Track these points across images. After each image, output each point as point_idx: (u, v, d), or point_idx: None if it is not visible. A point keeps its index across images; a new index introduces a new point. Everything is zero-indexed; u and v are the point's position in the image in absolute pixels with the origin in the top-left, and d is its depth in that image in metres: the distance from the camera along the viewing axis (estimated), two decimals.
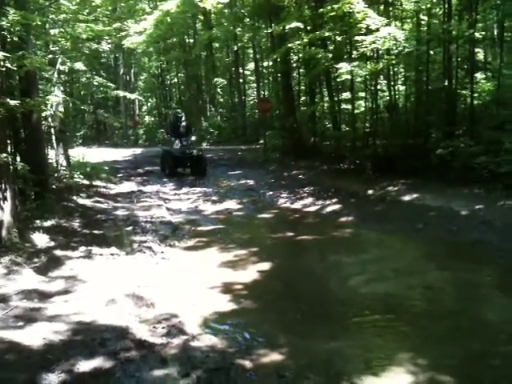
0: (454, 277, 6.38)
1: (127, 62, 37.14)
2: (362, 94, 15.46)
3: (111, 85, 28.85)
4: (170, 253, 7.21)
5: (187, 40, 33.82)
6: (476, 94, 12.51)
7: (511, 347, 4.27)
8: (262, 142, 20.76)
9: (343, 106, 16.41)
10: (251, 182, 14.38)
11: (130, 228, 8.64)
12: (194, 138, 16.39)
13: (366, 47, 11.59)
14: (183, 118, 16.23)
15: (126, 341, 4.12)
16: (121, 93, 23.79)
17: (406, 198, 10.44)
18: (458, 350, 4.24)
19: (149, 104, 40.56)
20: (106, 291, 5.27)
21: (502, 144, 9.57)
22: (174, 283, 5.86)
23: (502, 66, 12.64)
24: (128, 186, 14.13)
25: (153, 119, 39.07)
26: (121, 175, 16.31)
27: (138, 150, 25.92)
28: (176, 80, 37.79)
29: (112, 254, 6.78)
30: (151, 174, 16.81)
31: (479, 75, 13.37)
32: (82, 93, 32.82)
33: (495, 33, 16.44)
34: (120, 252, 6.93)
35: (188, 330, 4.45)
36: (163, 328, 4.44)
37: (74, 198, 10.60)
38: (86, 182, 12.72)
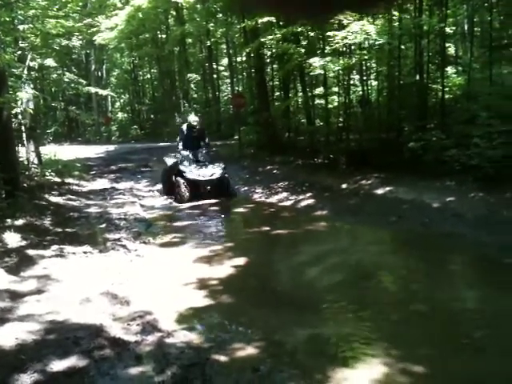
0: (425, 267, 6.51)
1: (99, 58, 36.67)
2: (335, 89, 15.56)
3: (83, 81, 28.54)
4: (144, 250, 7.16)
5: (160, 35, 33.58)
6: (447, 89, 12.70)
7: (481, 336, 4.35)
8: (236, 137, 20.73)
9: (317, 100, 16.51)
10: None
11: (103, 225, 8.55)
12: (208, 144, 12.06)
13: (338, 42, 11.67)
14: (196, 125, 11.81)
15: (100, 339, 4.08)
16: (92, 89, 23.55)
17: (380, 191, 10.57)
18: (426, 338, 4.31)
19: (121, 100, 40.18)
20: (79, 290, 5.21)
21: (472, 137, 9.74)
22: (148, 280, 5.82)
23: (472, 60, 12.88)
24: (101, 183, 13.98)
25: (126, 116, 38.71)
26: (93, 172, 16.13)
27: (111, 147, 25.65)
28: (149, 76, 37.50)
29: (85, 252, 6.70)
30: (124, 170, 16.65)
31: (450, 70, 13.59)
32: (53, 89, 32.36)
33: (465, 28, 16.73)
34: (93, 250, 6.85)
35: (163, 326, 4.43)
36: (138, 325, 4.41)
37: (46, 196, 10.44)
38: (57, 179, 12.54)
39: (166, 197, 11.81)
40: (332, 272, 6.31)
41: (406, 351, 4.01)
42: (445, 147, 10.31)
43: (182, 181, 10.81)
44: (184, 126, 11.83)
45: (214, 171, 11.02)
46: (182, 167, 10.98)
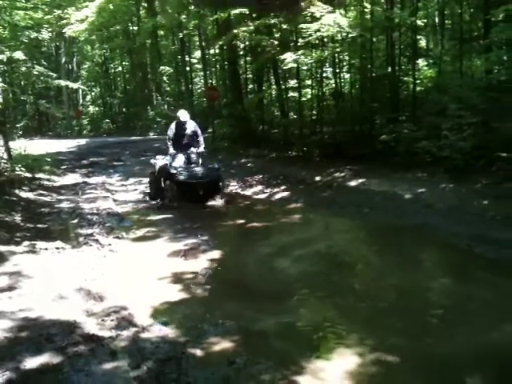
0: (396, 257, 6.63)
1: (69, 51, 36.09)
2: (309, 82, 15.63)
3: (53, 74, 28.05)
4: (117, 245, 7.08)
5: (131, 28, 33.17)
6: (418, 81, 12.87)
7: (451, 322, 4.44)
8: (210, 130, 20.65)
9: (290, 93, 16.55)
10: None
11: (75, 221, 8.44)
12: (203, 147, 10.50)
13: (311, 35, 11.69)
14: (189, 123, 10.38)
15: (74, 335, 4.03)
16: (63, 82, 23.18)
17: (353, 183, 10.68)
18: (398, 326, 4.39)
19: (93, 93, 39.64)
20: (52, 286, 5.13)
21: (442, 129, 9.89)
22: (122, 275, 5.77)
23: (442, 52, 13.06)
24: (72, 178, 13.79)
25: (97, 109, 38.16)
26: (65, 167, 15.90)
27: (83, 141, 25.31)
28: (120, 68, 37.00)
29: (57, 248, 6.60)
30: (96, 165, 16.45)
31: (421, 62, 13.75)
32: (22, 83, 31.68)
33: (436, 20, 16.93)
34: (66, 246, 6.75)
35: (138, 321, 4.40)
36: (112, 321, 4.37)
37: (16, 191, 10.26)
38: (28, 174, 12.31)
39: (135, 188, 11.74)
40: (306, 263, 6.36)
41: (378, 340, 4.06)
42: (416, 139, 10.45)
43: (172, 185, 9.68)
44: (173, 124, 10.46)
45: (207, 173, 9.91)
46: (171, 170, 9.80)
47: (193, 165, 10.15)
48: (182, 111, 10.51)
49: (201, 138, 10.47)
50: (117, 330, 4.20)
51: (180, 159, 10.12)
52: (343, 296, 5.25)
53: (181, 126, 10.25)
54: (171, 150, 10.17)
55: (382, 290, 5.38)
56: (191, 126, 10.31)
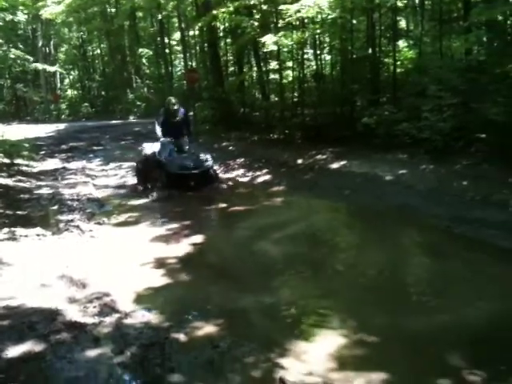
0: (377, 237, 6.72)
1: (46, 34, 35.39)
2: (290, 64, 15.55)
3: (29, 57, 27.56)
4: (99, 230, 7.03)
5: (109, 9, 32.58)
6: (399, 62, 12.87)
7: (431, 301, 4.52)
8: (191, 113, 20.47)
9: (271, 75, 16.46)
10: None
11: (55, 207, 8.35)
12: (189, 137, 10.08)
13: (291, 16, 11.62)
14: (180, 110, 9.90)
15: (56, 322, 4.01)
16: (40, 66, 22.78)
17: (334, 165, 10.72)
18: (379, 306, 4.45)
19: (71, 77, 39.00)
20: (33, 274, 5.08)
21: (422, 111, 9.94)
22: (104, 261, 5.73)
23: (422, 33, 13.06)
24: (52, 163, 13.62)
25: (76, 93, 37.62)
26: (43, 152, 15.68)
27: (62, 126, 24.95)
28: (99, 51, 36.47)
29: (38, 235, 6.52)
30: (76, 150, 16.25)
31: (401, 43, 13.74)
32: None
33: (416, 1, 16.88)
34: (46, 232, 6.68)
35: (121, 307, 4.39)
36: (95, 307, 4.35)
37: None
38: (6, 160, 12.12)
39: (116, 173, 11.64)
40: (288, 245, 6.39)
41: (360, 320, 4.12)
42: (396, 121, 10.50)
43: (162, 174, 9.28)
44: (162, 111, 9.95)
45: (198, 163, 9.40)
46: (161, 159, 9.34)
47: (184, 154, 9.61)
48: (171, 98, 10.12)
49: (190, 126, 10.22)
50: (100, 316, 4.18)
51: (170, 147, 9.56)
52: (325, 276, 5.33)
53: (170, 113, 9.76)
54: (161, 137, 9.62)
55: (363, 271, 5.44)
56: (181, 114, 9.88)
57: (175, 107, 9.75)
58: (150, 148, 10.06)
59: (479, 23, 10.11)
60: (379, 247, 6.37)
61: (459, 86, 9.77)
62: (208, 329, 4.05)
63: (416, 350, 3.68)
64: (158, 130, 9.71)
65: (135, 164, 10.76)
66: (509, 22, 9.88)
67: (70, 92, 38.21)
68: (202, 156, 9.64)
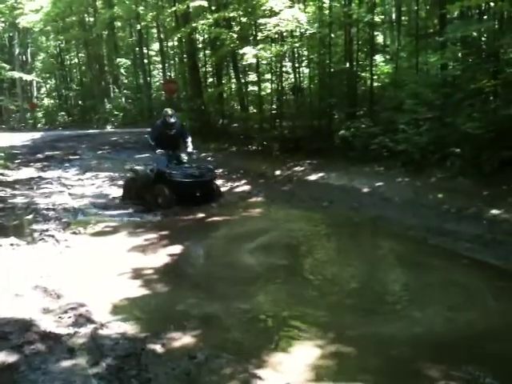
0: (353, 248, 6.84)
1: (23, 42, 35.07)
2: (268, 76, 15.65)
3: (6, 65, 27.20)
4: (74, 240, 6.93)
5: (87, 19, 32.44)
6: (375, 77, 13.07)
7: (408, 311, 4.56)
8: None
9: (250, 87, 16.55)
10: None
11: (30, 216, 8.21)
12: (191, 147, 9.57)
13: (270, 30, 11.73)
14: (175, 123, 9.45)
15: (31, 333, 3.93)
16: (17, 74, 22.52)
17: (312, 177, 10.81)
18: (355, 316, 4.48)
19: (48, 86, 38.60)
20: (6, 284, 4.99)
21: (398, 124, 10.10)
22: (80, 271, 5.65)
23: (399, 49, 13.29)
24: (27, 173, 13.42)
25: (53, 102, 37.21)
26: (19, 161, 15.47)
27: (38, 135, 24.63)
28: (76, 60, 36.19)
29: (12, 245, 6.41)
30: (52, 159, 16.05)
31: (378, 58, 13.96)
32: None
33: (393, 17, 17.22)
34: (20, 242, 6.56)
35: (96, 318, 4.33)
36: (70, 318, 4.28)
37: None
38: None
39: (92, 183, 11.53)
40: (265, 254, 6.41)
41: (336, 330, 4.13)
42: (373, 134, 10.65)
43: (163, 188, 8.84)
44: (158, 123, 9.48)
45: (202, 172, 9.14)
46: (164, 169, 8.94)
47: (184, 164, 9.31)
48: (168, 109, 9.53)
49: (189, 138, 9.58)
50: (75, 327, 4.12)
51: (168, 158, 9.21)
52: (301, 286, 5.33)
53: (167, 125, 9.27)
54: (158, 150, 9.09)
55: (338, 281, 5.49)
56: (177, 126, 9.49)
57: (172, 119, 9.29)
58: (144, 167, 9.86)
59: (455, 39, 10.33)
60: (355, 257, 6.44)
61: (435, 100, 9.96)
62: (185, 340, 4.01)
63: (391, 358, 3.71)
64: (153, 143, 9.20)
65: (124, 182, 10.21)
66: (483, 38, 10.11)
67: (46, 101, 37.80)
68: (204, 166, 9.66)
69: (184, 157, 9.43)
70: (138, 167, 10.11)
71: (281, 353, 3.82)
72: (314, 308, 4.71)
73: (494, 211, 7.11)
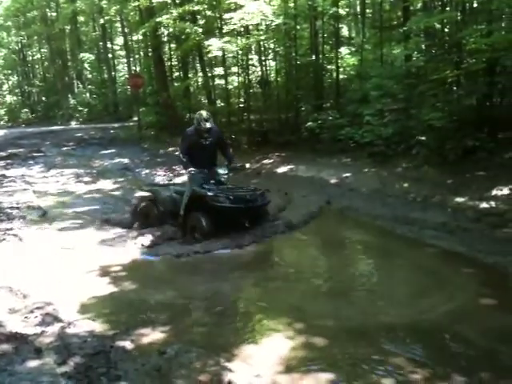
0: (321, 239, 6.99)
1: None
2: (235, 70, 15.60)
3: None
4: (40, 238, 6.78)
5: (49, 13, 31.69)
6: (341, 69, 13.16)
7: (374, 300, 4.62)
8: (135, 119, 20.21)
9: (217, 81, 16.46)
10: (126, 160, 14.00)
11: None
12: (231, 162, 7.20)
13: (236, 23, 11.69)
14: (212, 130, 6.92)
15: None
16: None
17: (281, 170, 10.84)
18: (324, 307, 4.54)
19: (10, 82, 37.58)
20: None
21: (364, 116, 10.20)
22: (46, 270, 5.53)
23: (364, 41, 13.41)
24: None
25: (15, 98, 36.23)
26: None
27: (0, 132, 23.99)
28: (39, 56, 35.30)
29: None
30: (15, 156, 15.65)
31: (344, 50, 14.06)
32: None
33: (358, 9, 17.35)
34: None
35: (64, 316, 4.25)
36: (36, 317, 4.19)
37: None
38: None
39: (57, 180, 11.32)
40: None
41: (305, 321, 4.15)
42: (340, 126, 10.75)
43: (199, 216, 6.59)
44: (190, 131, 6.97)
45: (255, 195, 6.79)
46: (203, 192, 6.59)
47: (227, 186, 6.94)
48: (203, 112, 7.09)
49: (229, 150, 7.30)
50: (41, 326, 4.04)
51: (204, 178, 6.80)
52: (267, 277, 5.37)
53: (201, 133, 6.82)
54: (191, 168, 6.72)
55: (305, 271, 5.55)
56: (214, 134, 6.95)
57: (208, 125, 6.79)
58: (166, 188, 7.73)
59: (418, 30, 10.47)
60: (322, 247, 6.50)
61: (399, 92, 10.09)
62: (155, 335, 3.98)
63: (361, 347, 3.74)
64: (185, 159, 6.83)
65: (136, 205, 7.76)
66: (446, 29, 10.27)
67: (8, 98, 36.79)
68: (251, 188, 7.23)
69: (223, 176, 6.93)
70: (158, 188, 7.86)
71: (251, 345, 3.82)
72: (281, 300, 4.73)
73: (459, 199, 7.27)
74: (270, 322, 4.27)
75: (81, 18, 30.89)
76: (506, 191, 6.97)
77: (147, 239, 6.56)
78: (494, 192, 7.03)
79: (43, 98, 34.18)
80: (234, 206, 6.51)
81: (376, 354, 3.61)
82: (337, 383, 3.28)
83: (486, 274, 5.15)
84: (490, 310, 4.37)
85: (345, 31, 17.92)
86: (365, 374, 3.40)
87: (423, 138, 8.97)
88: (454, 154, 8.27)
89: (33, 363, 3.48)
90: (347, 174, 9.48)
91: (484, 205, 6.89)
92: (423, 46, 10.68)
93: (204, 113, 7.03)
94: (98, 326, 4.13)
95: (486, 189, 7.19)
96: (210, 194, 6.55)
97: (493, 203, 6.84)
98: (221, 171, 6.92)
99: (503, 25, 8.95)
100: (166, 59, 19.72)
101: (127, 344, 3.79)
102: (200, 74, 18.23)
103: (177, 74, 20.73)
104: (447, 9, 10.24)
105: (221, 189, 6.71)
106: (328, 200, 8.48)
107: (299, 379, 3.34)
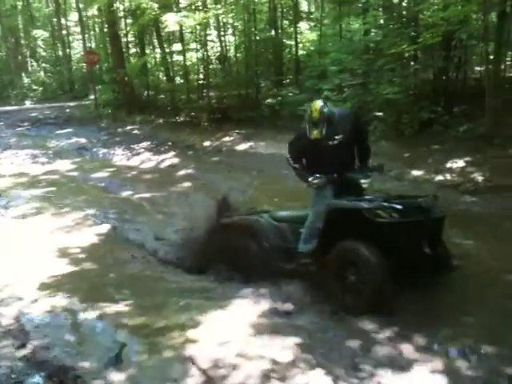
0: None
1: None
2: (193, 46, 15.36)
3: None
4: None
5: None
6: (301, 45, 13.13)
7: None
8: (92, 97, 19.73)
9: (175, 57, 16.18)
10: (83, 140, 13.69)
11: None
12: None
13: None
14: (340, 122, 4.27)
15: None
16: None
17: (241, 147, 10.82)
18: None
19: None
20: None
21: (323, 90, 10.22)
22: (5, 254, 5.41)
23: (323, 16, 13.38)
24: None
25: None
26: None
27: None
28: None
29: None
30: None
31: (303, 25, 14.00)
32: None
33: None
34: None
35: (24, 297, 4.18)
36: None
37: None
38: None
39: (12, 162, 11.01)
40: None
41: None
42: (299, 102, 10.72)
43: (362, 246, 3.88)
44: (302, 130, 4.54)
45: (428, 203, 4.17)
46: (347, 203, 4.17)
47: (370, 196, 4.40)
48: (318, 102, 4.39)
49: (368, 143, 4.73)
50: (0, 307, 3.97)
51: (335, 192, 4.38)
52: None
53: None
54: (311, 177, 4.34)
55: None
56: (344, 127, 4.38)
57: (316, 133, 4.28)
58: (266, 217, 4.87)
59: (376, 5, 10.51)
60: None
61: (358, 67, 10.14)
62: (117, 308, 3.98)
63: None
64: (297, 166, 4.62)
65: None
66: (404, 3, 10.33)
67: None
68: (424, 195, 4.54)
69: (363, 180, 4.41)
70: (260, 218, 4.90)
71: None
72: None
73: (415, 172, 7.42)
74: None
75: None
76: (460, 164, 7.14)
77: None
78: (449, 165, 7.20)
79: None
80: (412, 221, 3.97)
81: None
82: None
83: None
84: None
85: (304, 6, 17.83)
86: None
87: (381, 114, 9.07)
88: (411, 128, 8.42)
89: None
90: None
91: (440, 177, 7.05)
92: (381, 21, 10.73)
93: (319, 103, 4.35)
94: (59, 306, 4.06)
95: (441, 162, 7.35)
96: (366, 205, 4.04)
97: (448, 176, 7.00)
98: (359, 175, 4.41)
99: None
100: (122, 35, 19.20)
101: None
102: (158, 50, 17.89)
103: (134, 50, 20.27)
104: None
105: (376, 198, 4.28)
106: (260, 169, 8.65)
107: None
